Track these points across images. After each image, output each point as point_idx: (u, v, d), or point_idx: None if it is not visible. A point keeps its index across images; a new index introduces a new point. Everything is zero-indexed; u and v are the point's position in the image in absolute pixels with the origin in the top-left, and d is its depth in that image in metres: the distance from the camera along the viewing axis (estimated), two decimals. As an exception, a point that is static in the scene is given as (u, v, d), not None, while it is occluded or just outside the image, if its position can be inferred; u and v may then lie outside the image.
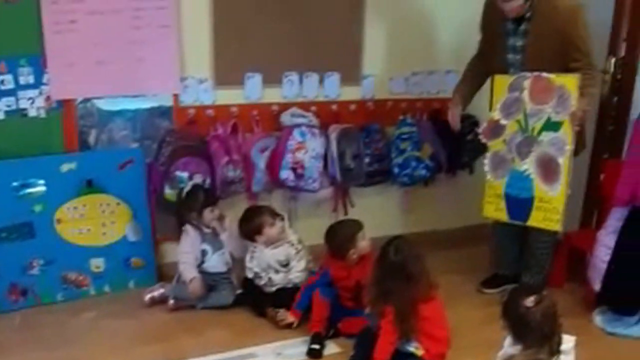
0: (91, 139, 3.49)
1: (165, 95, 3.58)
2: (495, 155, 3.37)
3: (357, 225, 3.22)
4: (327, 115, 3.90)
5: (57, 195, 3.37)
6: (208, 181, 3.51)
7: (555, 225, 3.22)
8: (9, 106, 3.27)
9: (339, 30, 3.89)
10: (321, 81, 3.90)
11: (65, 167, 3.37)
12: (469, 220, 4.27)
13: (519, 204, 3.30)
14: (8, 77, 3.24)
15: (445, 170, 4.15)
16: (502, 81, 3.31)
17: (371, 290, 2.79)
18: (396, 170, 3.94)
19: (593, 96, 3.32)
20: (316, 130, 3.74)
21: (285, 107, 3.78)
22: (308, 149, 3.68)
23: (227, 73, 3.67)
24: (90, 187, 3.43)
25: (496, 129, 3.34)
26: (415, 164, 3.91)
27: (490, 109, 3.41)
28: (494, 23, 3.41)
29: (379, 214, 4.00)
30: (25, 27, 3.23)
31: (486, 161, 3.42)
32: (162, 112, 3.60)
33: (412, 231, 4.05)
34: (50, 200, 3.36)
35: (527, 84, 3.20)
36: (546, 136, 3.16)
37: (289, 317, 3.22)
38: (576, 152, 3.26)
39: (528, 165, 3.24)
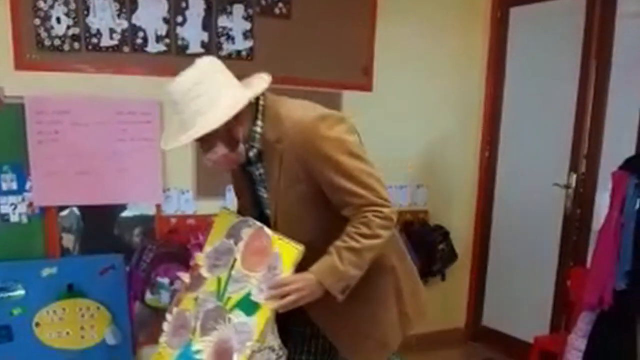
0: (71, 244, 3.54)
1: (146, 204, 3.68)
2: (180, 315, 2.29)
3: None
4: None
5: (36, 299, 3.37)
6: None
7: None
8: (-10, 212, 3.33)
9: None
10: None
11: (45, 272, 3.39)
12: (440, 325, 4.43)
13: None
14: (-9, 183, 3.31)
15: (419, 278, 4.20)
16: (225, 219, 2.33)
17: None
18: (371, 278, 3.98)
19: (364, 260, 2.02)
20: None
21: (263, 217, 3.88)
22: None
23: (208, 185, 3.77)
24: (71, 291, 3.44)
25: (195, 280, 2.31)
26: (390, 272, 3.94)
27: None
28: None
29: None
30: (9, 135, 3.30)
31: (169, 316, 2.33)
32: (143, 220, 3.68)
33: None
34: (29, 304, 3.35)
35: (246, 234, 2.19)
36: (237, 316, 2.10)
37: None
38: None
39: (203, 346, 2.15)
